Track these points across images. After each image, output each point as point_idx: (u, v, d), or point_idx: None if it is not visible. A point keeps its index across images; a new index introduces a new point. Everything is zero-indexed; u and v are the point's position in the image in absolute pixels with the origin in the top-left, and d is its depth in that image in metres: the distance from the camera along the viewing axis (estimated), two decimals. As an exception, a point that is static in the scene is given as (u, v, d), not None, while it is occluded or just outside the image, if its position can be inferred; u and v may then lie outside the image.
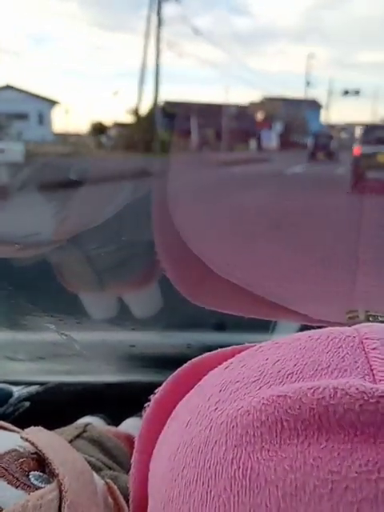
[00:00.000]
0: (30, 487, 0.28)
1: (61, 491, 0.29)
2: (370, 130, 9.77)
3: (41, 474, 0.30)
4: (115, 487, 0.36)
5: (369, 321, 0.48)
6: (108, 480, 0.37)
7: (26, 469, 0.29)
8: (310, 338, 0.24)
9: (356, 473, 0.18)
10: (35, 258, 0.85)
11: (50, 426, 0.40)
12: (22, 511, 0.26)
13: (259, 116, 23.29)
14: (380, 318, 0.46)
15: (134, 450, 0.28)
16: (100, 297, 0.94)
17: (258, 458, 0.19)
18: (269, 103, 24.95)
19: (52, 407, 0.79)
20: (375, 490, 0.17)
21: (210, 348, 0.30)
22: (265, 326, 0.73)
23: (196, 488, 0.20)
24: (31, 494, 0.27)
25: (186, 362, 0.30)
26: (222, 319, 0.90)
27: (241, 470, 0.19)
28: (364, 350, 0.22)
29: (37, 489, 0.28)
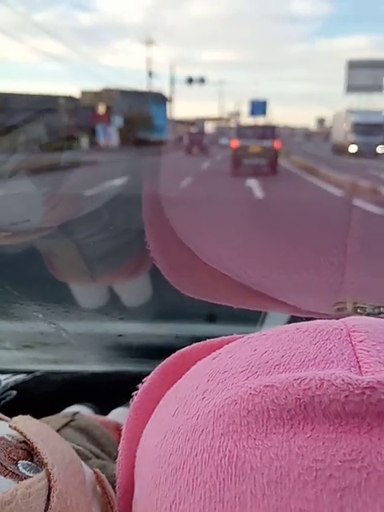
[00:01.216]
0: (18, 476, 0.28)
1: (49, 480, 0.29)
2: (241, 129, 13.55)
3: (29, 462, 0.30)
4: (103, 476, 0.36)
5: (356, 312, 0.48)
6: (96, 469, 0.37)
7: (15, 457, 0.29)
8: (297, 330, 0.24)
9: (340, 461, 0.18)
10: (23, 245, 0.84)
11: (38, 415, 0.40)
12: (10, 500, 0.26)
13: (101, 109, 20.50)
14: (367, 310, 0.47)
15: (121, 438, 0.29)
16: (89, 286, 0.94)
17: (244, 446, 0.20)
18: (105, 94, 21.76)
19: (39, 396, 0.79)
20: (358, 479, 0.18)
21: (198, 339, 0.30)
22: (254, 319, 0.74)
23: (182, 475, 0.21)
24: (20, 482, 0.27)
25: (173, 353, 0.30)
26: (211, 311, 0.90)
27: (227, 457, 0.20)
28: (351, 342, 0.22)
29: (25, 478, 0.28)
